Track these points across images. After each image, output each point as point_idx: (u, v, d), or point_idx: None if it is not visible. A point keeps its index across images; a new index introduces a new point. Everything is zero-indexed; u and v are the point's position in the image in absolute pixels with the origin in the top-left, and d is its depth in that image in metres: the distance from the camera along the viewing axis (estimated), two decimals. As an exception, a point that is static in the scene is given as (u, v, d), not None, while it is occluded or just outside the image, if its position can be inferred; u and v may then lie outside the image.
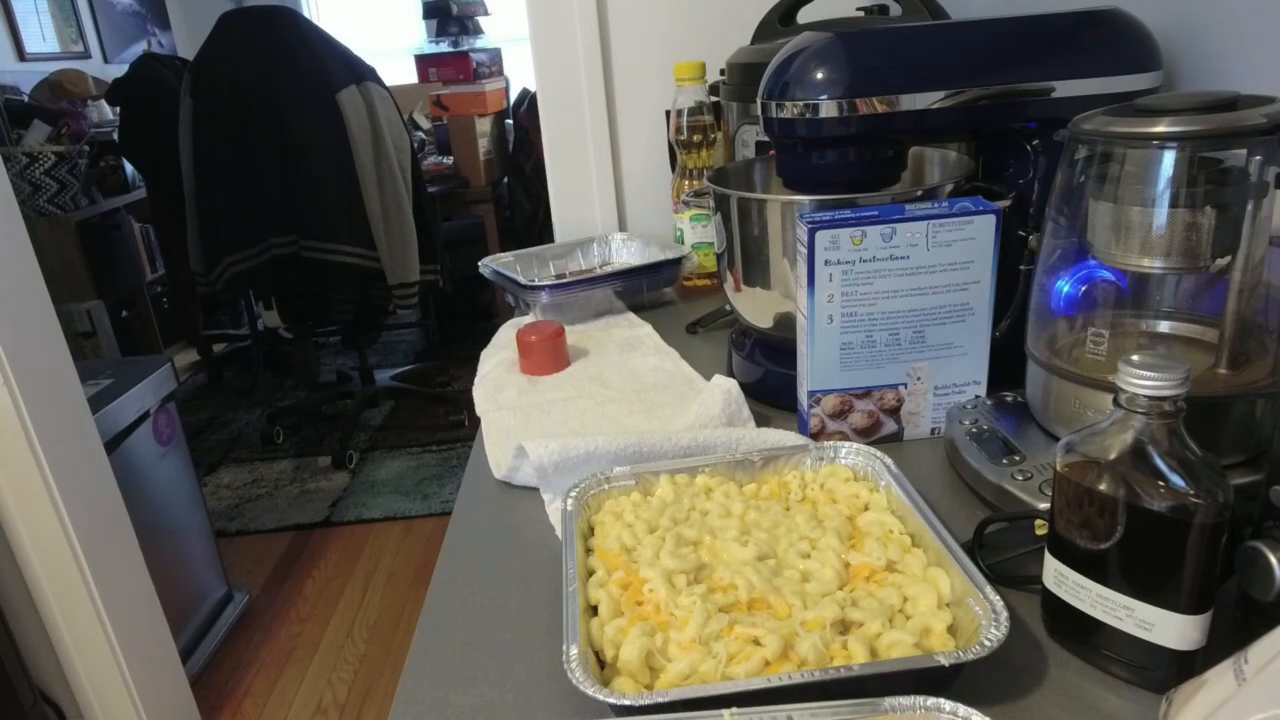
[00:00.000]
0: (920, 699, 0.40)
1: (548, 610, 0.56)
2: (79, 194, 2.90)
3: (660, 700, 0.42)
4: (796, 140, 0.74)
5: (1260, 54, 0.66)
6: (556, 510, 0.66)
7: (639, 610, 0.50)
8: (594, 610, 0.51)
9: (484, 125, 3.22)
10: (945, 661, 0.42)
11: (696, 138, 1.10)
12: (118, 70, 3.20)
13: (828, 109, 0.69)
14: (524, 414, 0.82)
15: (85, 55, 3.82)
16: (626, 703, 0.42)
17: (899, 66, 0.69)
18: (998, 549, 0.55)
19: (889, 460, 0.60)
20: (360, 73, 2.29)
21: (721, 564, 0.53)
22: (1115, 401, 0.43)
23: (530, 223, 3.34)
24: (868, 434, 0.72)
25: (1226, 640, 0.42)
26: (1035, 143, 0.71)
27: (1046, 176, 0.70)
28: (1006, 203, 0.67)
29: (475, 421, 0.85)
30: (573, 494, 0.60)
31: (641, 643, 0.46)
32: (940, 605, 0.48)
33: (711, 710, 0.40)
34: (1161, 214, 0.53)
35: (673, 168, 1.21)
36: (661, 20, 1.27)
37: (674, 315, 1.08)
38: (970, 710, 0.39)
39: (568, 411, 0.81)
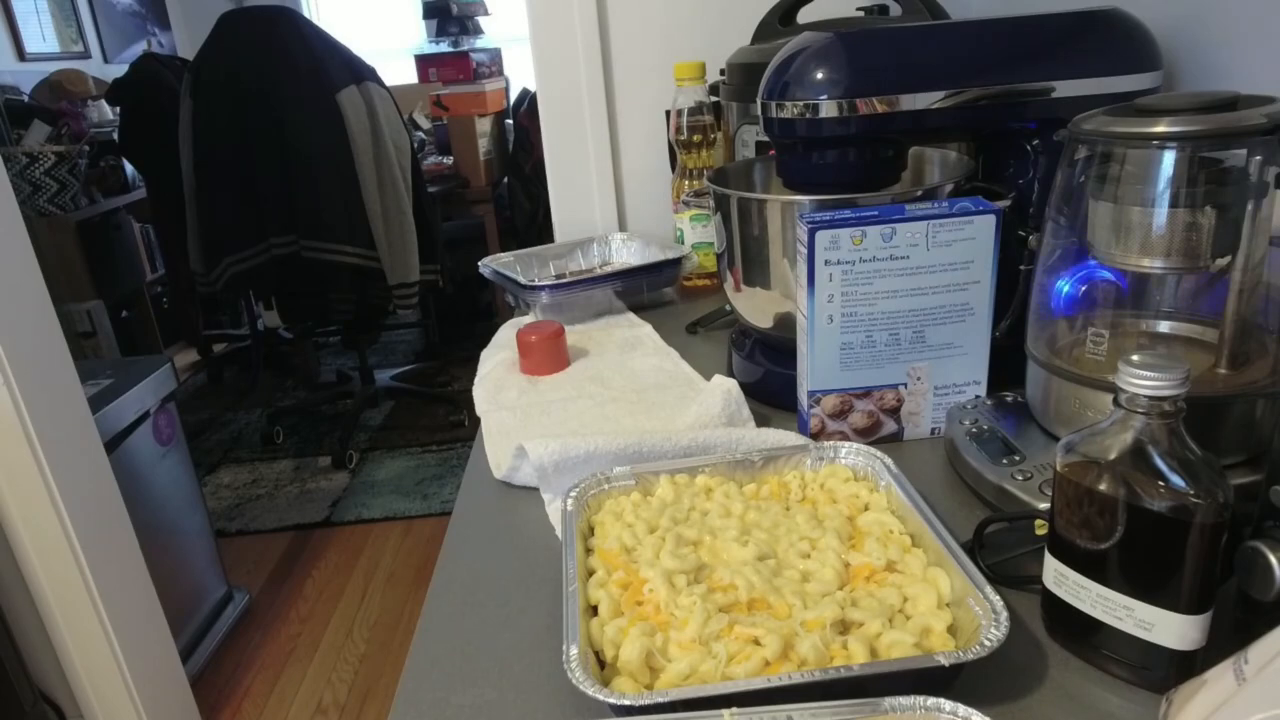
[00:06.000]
0: (920, 699, 0.40)
1: (548, 610, 0.56)
2: (79, 194, 2.90)
3: (660, 700, 0.42)
4: (796, 140, 0.74)
5: (1260, 54, 0.66)
6: (556, 510, 0.66)
7: (639, 610, 0.50)
8: (594, 610, 0.51)
9: (484, 125, 3.22)
10: (945, 661, 0.42)
11: (696, 138, 1.10)
12: (118, 70, 3.20)
13: (828, 109, 0.69)
14: (524, 414, 0.82)
15: (85, 55, 3.82)
16: (626, 703, 0.42)
17: (899, 66, 0.69)
18: (998, 549, 0.55)
19: (889, 460, 0.60)
20: (360, 73, 2.29)
21: (721, 564, 0.53)
22: (1115, 401, 0.43)
23: (530, 223, 3.34)
24: (868, 434, 0.72)
25: (1226, 640, 0.42)
26: (1035, 143, 0.71)
27: (1046, 176, 0.70)
28: (1006, 203, 0.67)
29: (475, 421, 0.85)
30: (573, 494, 0.60)
31: (641, 643, 0.46)
32: (940, 605, 0.48)
33: (711, 710, 0.40)
34: (1161, 214, 0.53)
35: (673, 168, 1.21)
36: (661, 20, 1.27)
37: (674, 315, 1.08)
38: (970, 710, 0.39)
39: (568, 411, 0.81)
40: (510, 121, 3.54)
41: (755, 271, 0.78)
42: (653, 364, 0.91)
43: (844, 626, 0.47)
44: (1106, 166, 0.55)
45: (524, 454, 0.68)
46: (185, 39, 4.42)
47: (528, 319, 1.05)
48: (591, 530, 0.59)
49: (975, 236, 0.65)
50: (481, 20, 3.87)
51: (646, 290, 1.12)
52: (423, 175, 2.56)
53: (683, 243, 1.16)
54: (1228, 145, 0.51)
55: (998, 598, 0.45)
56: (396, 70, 3.69)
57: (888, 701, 0.40)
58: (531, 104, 3.22)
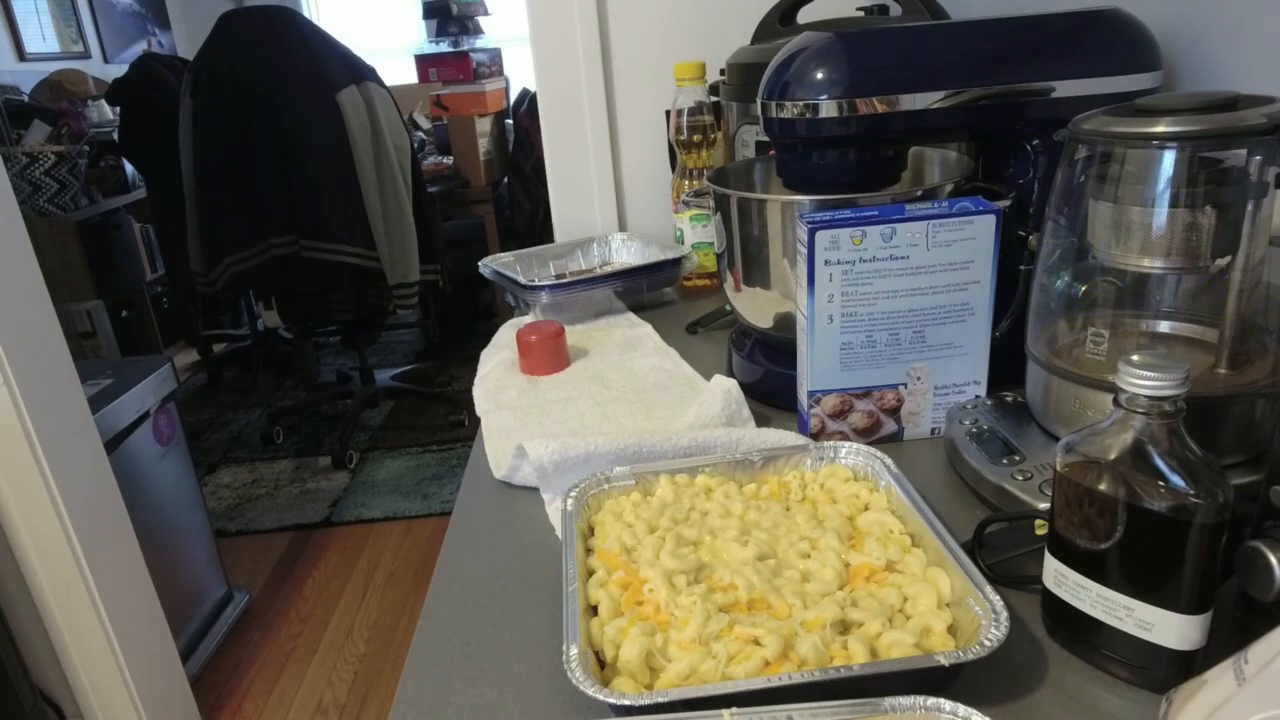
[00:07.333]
0: (920, 699, 0.40)
1: (548, 610, 0.56)
2: (79, 194, 2.90)
3: (660, 700, 0.42)
4: (796, 140, 0.74)
5: (1260, 54, 0.66)
6: (556, 510, 0.66)
7: (639, 610, 0.50)
8: (594, 610, 0.51)
9: (484, 125, 3.22)
10: (945, 661, 0.42)
11: (696, 138, 1.10)
12: (118, 70, 3.20)
13: (828, 109, 0.69)
14: (524, 414, 0.82)
15: (85, 55, 3.82)
16: (626, 703, 0.42)
17: (899, 66, 0.69)
18: (998, 549, 0.55)
19: (889, 460, 0.60)
20: (360, 73, 2.29)
21: (721, 564, 0.53)
22: (1115, 401, 0.43)
23: (530, 223, 3.34)
24: (868, 434, 0.72)
25: (1226, 640, 0.42)
26: (1035, 143, 0.71)
27: (1046, 176, 0.70)
28: (1006, 203, 0.67)
29: (475, 421, 0.85)
30: (573, 494, 0.60)
31: (641, 643, 0.46)
32: (940, 605, 0.48)
33: (711, 710, 0.40)
34: (1161, 214, 0.53)
35: (673, 168, 1.21)
36: (661, 20, 1.27)
37: (674, 315, 1.08)
38: (970, 710, 0.39)
39: (568, 411, 0.81)
40: (510, 121, 3.54)
41: (755, 271, 0.78)
42: (653, 364, 0.91)
43: (844, 626, 0.47)
44: (1106, 166, 0.55)
45: (524, 454, 0.68)
46: (185, 39, 4.42)
47: (528, 319, 1.05)
48: (591, 530, 0.59)
49: (975, 236, 0.65)
50: (481, 20, 3.87)
51: (646, 290, 1.12)
52: (423, 175, 2.55)
53: (683, 243, 1.16)
54: (1228, 145, 0.51)
55: (998, 598, 0.45)
56: (396, 70, 3.69)
57: (888, 701, 0.40)
58: (531, 104, 3.22)
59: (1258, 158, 0.49)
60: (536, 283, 1.05)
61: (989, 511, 0.59)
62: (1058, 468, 0.46)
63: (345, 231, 2.29)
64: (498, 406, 0.85)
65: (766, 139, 0.85)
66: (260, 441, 2.92)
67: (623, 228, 1.36)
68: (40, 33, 3.56)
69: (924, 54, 0.70)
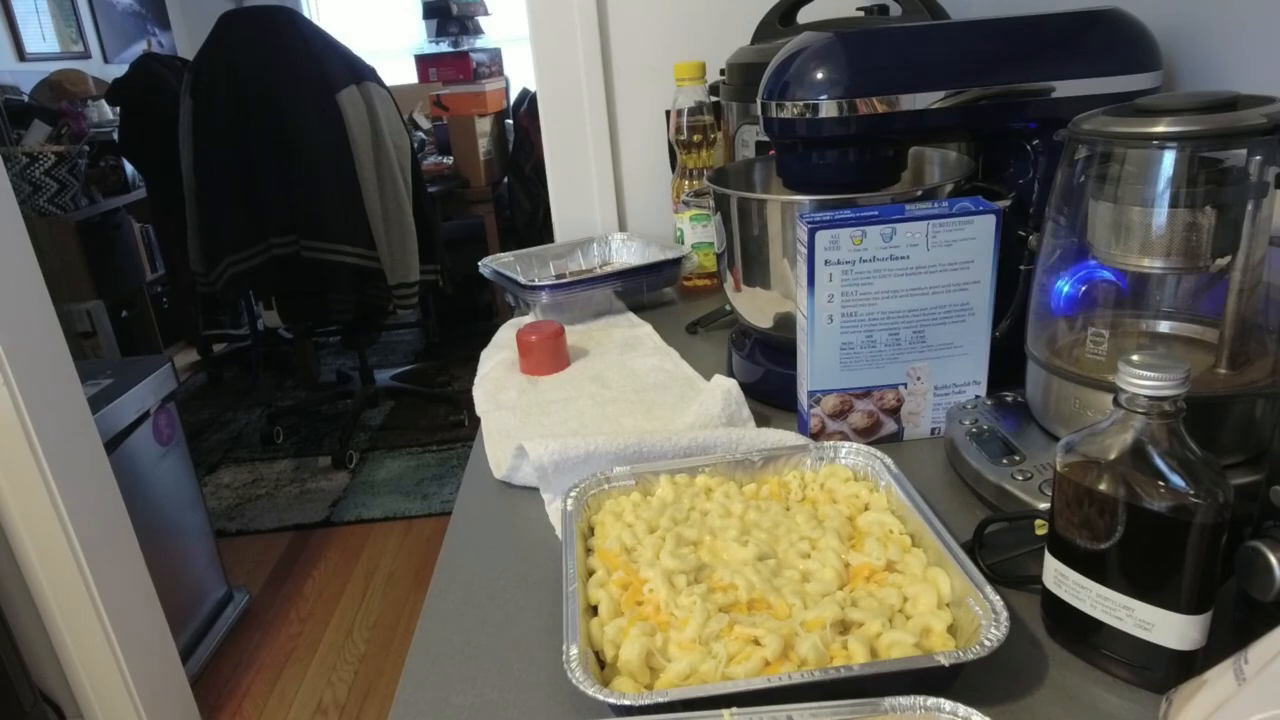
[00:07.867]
0: (920, 699, 0.40)
1: (548, 610, 0.56)
2: (79, 194, 2.90)
3: (660, 700, 0.42)
4: (796, 140, 0.74)
5: (1260, 54, 0.66)
6: (556, 510, 0.66)
7: (639, 610, 0.50)
8: (594, 610, 0.51)
9: (484, 125, 3.22)
10: (945, 661, 0.42)
11: (696, 138, 1.10)
12: (118, 70, 3.20)
13: (828, 109, 0.69)
14: (524, 414, 0.82)
15: (85, 55, 3.82)
16: (626, 703, 0.42)
17: (899, 66, 0.69)
18: (998, 549, 0.55)
19: (889, 460, 0.60)
20: (360, 73, 2.29)
21: (721, 564, 0.53)
22: (1115, 401, 0.43)
23: (530, 223, 3.34)
24: (868, 434, 0.72)
25: (1226, 640, 0.42)
26: (1035, 143, 0.71)
27: (1046, 176, 0.70)
28: (1006, 203, 0.67)
29: (475, 421, 0.85)
30: (573, 494, 0.60)
31: (641, 643, 0.46)
32: (940, 605, 0.48)
33: (711, 710, 0.40)
34: (1161, 214, 0.53)
35: (673, 168, 1.21)
36: (661, 20, 1.27)
37: (674, 315, 1.08)
38: (970, 710, 0.39)
39: (568, 411, 0.81)
40: (510, 121, 3.54)
41: (755, 271, 0.78)
42: (653, 364, 0.91)
43: (844, 626, 0.47)
44: (1106, 166, 0.55)
45: (524, 454, 0.68)
46: (185, 39, 4.42)
47: (528, 319, 1.05)
48: (591, 530, 0.59)
49: (975, 236, 0.65)
50: (481, 20, 3.87)
51: (646, 290, 1.12)
52: (423, 175, 2.55)
53: (683, 243, 1.16)
54: (1228, 145, 0.51)
55: (998, 598, 0.45)
56: (396, 70, 3.69)
57: (888, 701, 0.40)
58: (531, 104, 3.22)
59: (1258, 158, 0.49)
60: (536, 283, 1.05)
61: (989, 511, 0.59)
62: (1058, 468, 0.46)
63: (345, 231, 2.29)
64: (498, 406, 0.85)
65: (766, 139, 0.85)
66: (260, 441, 2.92)
67: (623, 228, 1.36)
68: (40, 33, 3.56)
69: (924, 54, 0.70)
